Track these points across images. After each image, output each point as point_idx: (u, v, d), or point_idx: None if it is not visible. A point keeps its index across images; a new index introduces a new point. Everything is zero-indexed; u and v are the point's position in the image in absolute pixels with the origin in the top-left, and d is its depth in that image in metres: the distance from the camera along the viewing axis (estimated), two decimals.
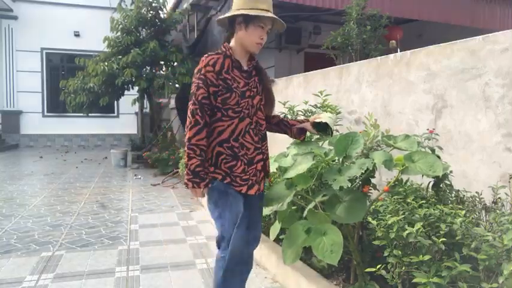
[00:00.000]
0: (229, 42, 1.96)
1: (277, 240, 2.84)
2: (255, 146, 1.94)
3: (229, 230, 1.90)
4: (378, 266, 1.98)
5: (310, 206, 2.05)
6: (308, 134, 2.27)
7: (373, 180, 2.55)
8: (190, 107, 1.83)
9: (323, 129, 2.17)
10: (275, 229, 2.37)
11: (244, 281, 2.07)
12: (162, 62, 8.94)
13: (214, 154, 1.88)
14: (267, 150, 2.08)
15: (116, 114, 14.64)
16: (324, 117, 2.14)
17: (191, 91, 1.84)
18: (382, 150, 2.22)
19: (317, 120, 2.13)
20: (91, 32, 13.42)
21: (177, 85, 8.86)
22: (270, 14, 1.88)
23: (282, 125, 2.19)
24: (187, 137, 1.81)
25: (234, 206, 1.90)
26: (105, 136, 14.44)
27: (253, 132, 1.94)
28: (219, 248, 2.00)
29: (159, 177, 7.43)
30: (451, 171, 2.26)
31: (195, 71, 1.86)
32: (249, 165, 1.93)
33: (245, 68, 1.95)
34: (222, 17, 1.94)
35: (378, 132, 2.63)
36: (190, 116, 1.82)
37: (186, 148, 1.82)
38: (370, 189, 2.52)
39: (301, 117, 3.15)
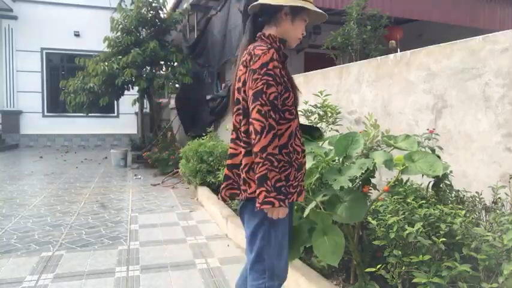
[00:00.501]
0: (256, 32, 1.71)
1: None
2: (301, 148, 1.71)
3: (274, 254, 1.66)
4: (378, 266, 1.98)
5: (311, 205, 2.05)
6: None
7: (373, 180, 2.55)
8: (262, 108, 1.50)
9: (307, 131, 2.10)
10: None
11: None
12: (162, 62, 8.94)
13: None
14: None
15: (116, 114, 14.64)
16: None
17: (257, 89, 1.51)
18: (382, 150, 2.22)
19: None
20: (91, 32, 13.43)
21: (177, 85, 8.87)
22: (317, 8, 1.72)
23: None
24: (261, 145, 1.48)
25: (282, 224, 1.66)
26: (105, 136, 14.43)
27: (299, 135, 1.72)
28: (251, 271, 1.70)
29: (159, 177, 7.42)
30: (451, 171, 2.26)
31: (257, 65, 1.53)
32: (299, 171, 1.68)
33: None
34: (269, 2, 1.65)
35: (378, 132, 2.63)
36: (263, 119, 1.49)
37: (259, 159, 1.49)
38: (370, 189, 2.52)
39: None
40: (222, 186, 1.72)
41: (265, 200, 1.49)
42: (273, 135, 1.50)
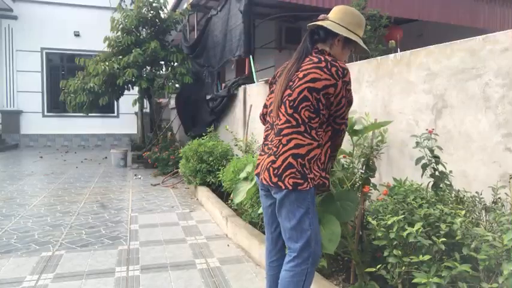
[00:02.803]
0: (312, 45, 1.94)
1: None
2: None
3: (316, 241, 1.86)
4: (378, 266, 1.98)
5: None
6: None
7: (373, 180, 2.55)
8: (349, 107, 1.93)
9: None
10: None
11: None
12: (162, 62, 8.94)
13: (327, 157, 1.88)
14: None
15: (116, 114, 14.64)
16: None
17: (351, 97, 1.89)
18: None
19: None
20: (91, 32, 13.42)
21: (177, 85, 8.87)
22: (364, 45, 1.99)
23: None
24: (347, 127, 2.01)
25: (316, 213, 1.89)
26: (105, 136, 14.43)
27: None
28: (296, 258, 1.84)
29: (159, 177, 7.43)
30: (450, 171, 2.26)
31: (348, 78, 1.84)
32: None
33: None
34: (329, 28, 1.90)
35: (377, 132, 2.63)
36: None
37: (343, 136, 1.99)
38: (371, 189, 2.52)
39: None
40: (284, 173, 1.80)
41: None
42: None
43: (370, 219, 2.07)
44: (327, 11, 2.11)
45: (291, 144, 1.80)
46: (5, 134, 13.34)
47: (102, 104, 8.65)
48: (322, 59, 1.83)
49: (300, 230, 1.82)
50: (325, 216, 2.03)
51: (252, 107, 5.83)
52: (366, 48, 1.99)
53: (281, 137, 1.84)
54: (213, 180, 5.41)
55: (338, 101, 1.83)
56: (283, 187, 1.79)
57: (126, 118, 14.55)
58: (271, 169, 1.83)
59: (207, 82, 8.41)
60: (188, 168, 5.70)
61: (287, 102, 1.84)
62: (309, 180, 1.79)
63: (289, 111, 1.83)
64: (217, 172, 5.13)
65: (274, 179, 1.81)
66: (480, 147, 2.36)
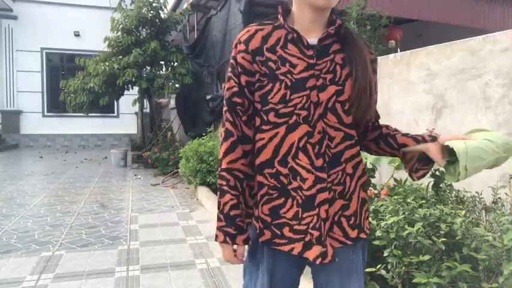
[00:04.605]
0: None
1: None
2: (315, 174, 1.08)
3: None
4: (378, 266, 1.98)
5: None
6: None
7: (373, 180, 2.55)
8: (223, 112, 1.18)
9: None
10: None
11: None
12: (162, 62, 8.95)
13: (256, 187, 1.18)
14: (343, 183, 1.12)
15: (116, 114, 14.64)
16: (480, 139, 1.13)
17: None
18: None
19: (447, 144, 1.13)
20: (91, 32, 13.42)
21: (177, 85, 8.87)
22: None
23: (384, 143, 1.24)
24: (219, 158, 1.18)
25: (266, 273, 1.17)
26: (105, 136, 14.43)
27: (314, 150, 1.08)
28: None
29: (159, 177, 7.42)
30: None
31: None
32: (306, 209, 1.08)
33: (310, 41, 1.10)
34: None
35: None
36: (222, 125, 1.17)
37: (218, 175, 1.19)
38: (374, 192, 2.51)
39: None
40: None
41: (216, 230, 1.15)
42: (230, 145, 1.14)
43: (370, 219, 2.07)
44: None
45: None
46: (5, 134, 13.34)
47: (102, 104, 8.65)
48: None
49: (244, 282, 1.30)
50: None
51: None
52: None
53: None
54: (213, 180, 5.41)
55: None
56: None
57: (126, 118, 14.56)
58: None
59: (207, 82, 8.42)
60: (188, 168, 5.71)
61: None
62: (253, 220, 1.18)
63: None
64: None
65: None
66: None
